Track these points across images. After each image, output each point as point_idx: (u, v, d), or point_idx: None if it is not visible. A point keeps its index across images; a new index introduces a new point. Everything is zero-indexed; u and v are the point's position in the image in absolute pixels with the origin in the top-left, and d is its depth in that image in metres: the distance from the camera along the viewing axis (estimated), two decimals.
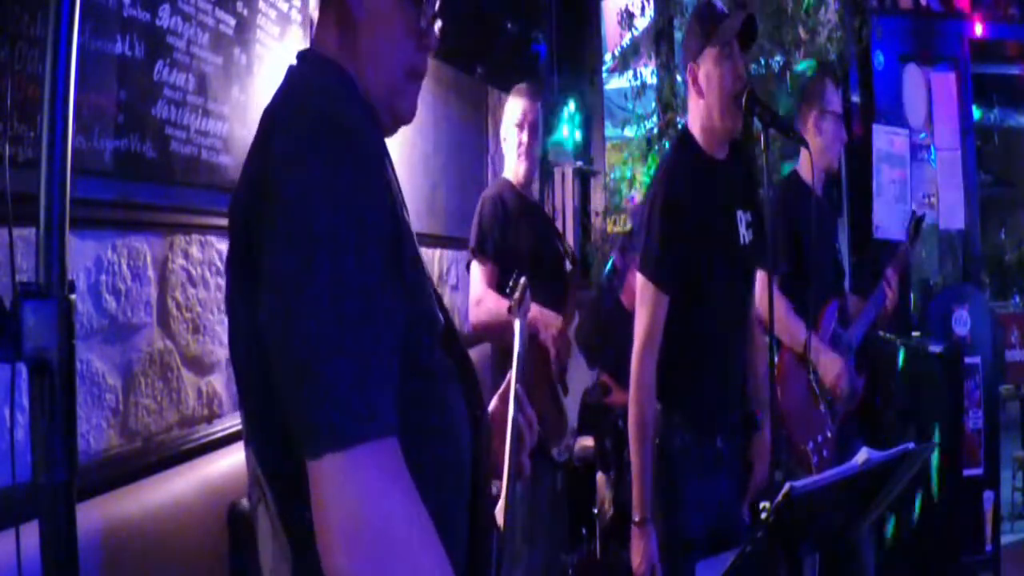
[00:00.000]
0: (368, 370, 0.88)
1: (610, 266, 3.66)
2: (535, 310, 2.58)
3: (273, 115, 1.02)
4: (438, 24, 1.15)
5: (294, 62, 1.11)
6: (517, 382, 1.36)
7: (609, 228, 5.73)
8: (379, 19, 1.08)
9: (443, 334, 1.06)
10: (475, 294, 2.82)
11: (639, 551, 2.09)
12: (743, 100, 2.11)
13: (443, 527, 0.94)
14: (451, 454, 1.06)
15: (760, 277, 2.42)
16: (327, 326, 0.87)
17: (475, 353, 3.63)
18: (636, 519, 2.10)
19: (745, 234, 2.24)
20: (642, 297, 2.14)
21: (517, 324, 1.68)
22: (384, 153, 1.05)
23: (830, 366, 2.83)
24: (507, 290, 1.81)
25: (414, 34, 1.11)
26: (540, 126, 3.03)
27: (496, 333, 2.67)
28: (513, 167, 3.02)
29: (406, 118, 1.15)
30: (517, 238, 2.85)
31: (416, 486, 0.91)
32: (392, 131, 1.16)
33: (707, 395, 2.18)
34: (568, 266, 3.03)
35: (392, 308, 0.93)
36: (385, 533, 0.87)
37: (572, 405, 2.77)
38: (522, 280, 1.79)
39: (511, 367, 1.44)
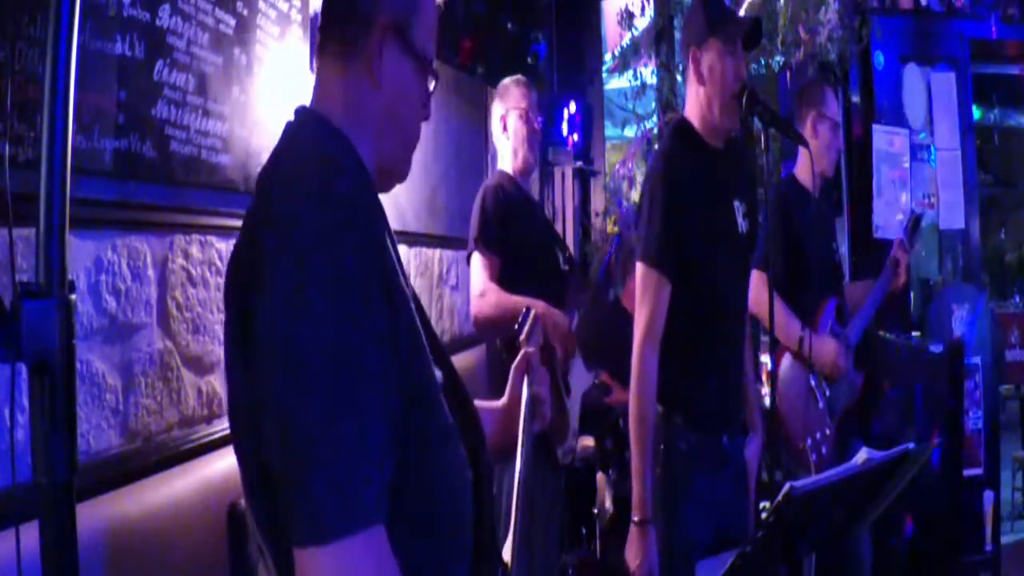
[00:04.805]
0: (354, 460, 0.88)
1: (604, 265, 3.65)
2: (542, 307, 2.53)
3: (270, 180, 1.02)
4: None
5: (292, 118, 1.10)
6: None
7: (609, 228, 5.71)
8: (400, 87, 1.09)
9: (445, 387, 1.06)
10: (478, 287, 2.71)
11: (638, 552, 2.02)
12: (743, 100, 2.11)
13: None
14: (451, 513, 1.05)
15: (757, 277, 2.42)
16: (315, 417, 0.88)
17: (471, 356, 3.63)
18: (636, 519, 2.03)
19: (742, 223, 2.22)
20: (643, 287, 2.07)
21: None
22: (381, 219, 1.05)
23: (824, 350, 2.83)
24: (515, 325, 1.81)
25: (424, 105, 1.14)
26: (539, 118, 2.93)
27: (501, 327, 2.56)
28: (510, 159, 2.90)
29: (404, 178, 1.19)
30: (518, 231, 2.76)
31: (414, 547, 0.92)
32: (387, 190, 1.17)
33: (710, 392, 2.13)
34: (564, 266, 2.92)
35: (385, 390, 0.93)
36: None
37: (572, 406, 2.71)
38: (531, 314, 1.80)
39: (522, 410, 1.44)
